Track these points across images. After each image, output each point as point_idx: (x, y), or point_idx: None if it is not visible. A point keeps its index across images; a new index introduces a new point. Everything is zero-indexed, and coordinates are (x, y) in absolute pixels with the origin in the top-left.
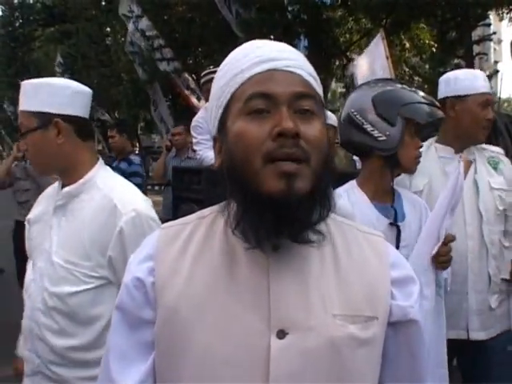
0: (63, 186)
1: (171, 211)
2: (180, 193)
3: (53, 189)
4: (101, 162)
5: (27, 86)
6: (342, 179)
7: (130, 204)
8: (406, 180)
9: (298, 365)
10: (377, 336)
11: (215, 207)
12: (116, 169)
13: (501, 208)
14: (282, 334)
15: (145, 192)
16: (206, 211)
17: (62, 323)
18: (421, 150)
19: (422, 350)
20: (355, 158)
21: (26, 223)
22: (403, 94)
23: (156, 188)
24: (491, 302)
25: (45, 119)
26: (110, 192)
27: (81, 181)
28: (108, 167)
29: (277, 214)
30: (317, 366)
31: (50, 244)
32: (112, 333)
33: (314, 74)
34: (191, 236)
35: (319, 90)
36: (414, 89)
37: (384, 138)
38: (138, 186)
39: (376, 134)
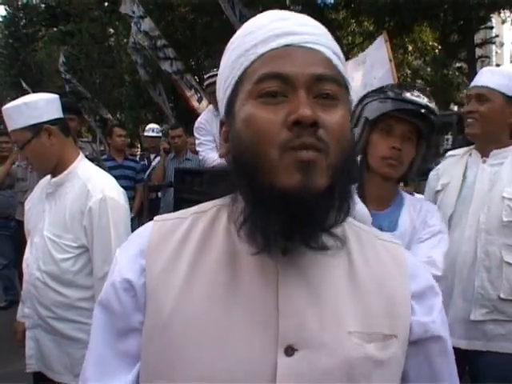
0: (52, 177)
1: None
2: (181, 194)
3: (45, 180)
4: (81, 155)
5: (8, 110)
6: None
7: (100, 189)
8: (436, 180)
9: None
10: (396, 356)
11: (217, 201)
12: (124, 167)
13: (505, 219)
14: (290, 351)
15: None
16: (207, 205)
17: (51, 283)
18: (394, 150)
19: (445, 370)
20: None
21: (25, 209)
22: (374, 93)
23: None
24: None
25: (36, 129)
26: (87, 180)
27: (65, 172)
28: (87, 160)
29: (289, 212)
30: None
31: (43, 223)
32: (94, 333)
33: (339, 51)
34: (189, 233)
35: (344, 70)
36: (405, 88)
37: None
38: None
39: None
